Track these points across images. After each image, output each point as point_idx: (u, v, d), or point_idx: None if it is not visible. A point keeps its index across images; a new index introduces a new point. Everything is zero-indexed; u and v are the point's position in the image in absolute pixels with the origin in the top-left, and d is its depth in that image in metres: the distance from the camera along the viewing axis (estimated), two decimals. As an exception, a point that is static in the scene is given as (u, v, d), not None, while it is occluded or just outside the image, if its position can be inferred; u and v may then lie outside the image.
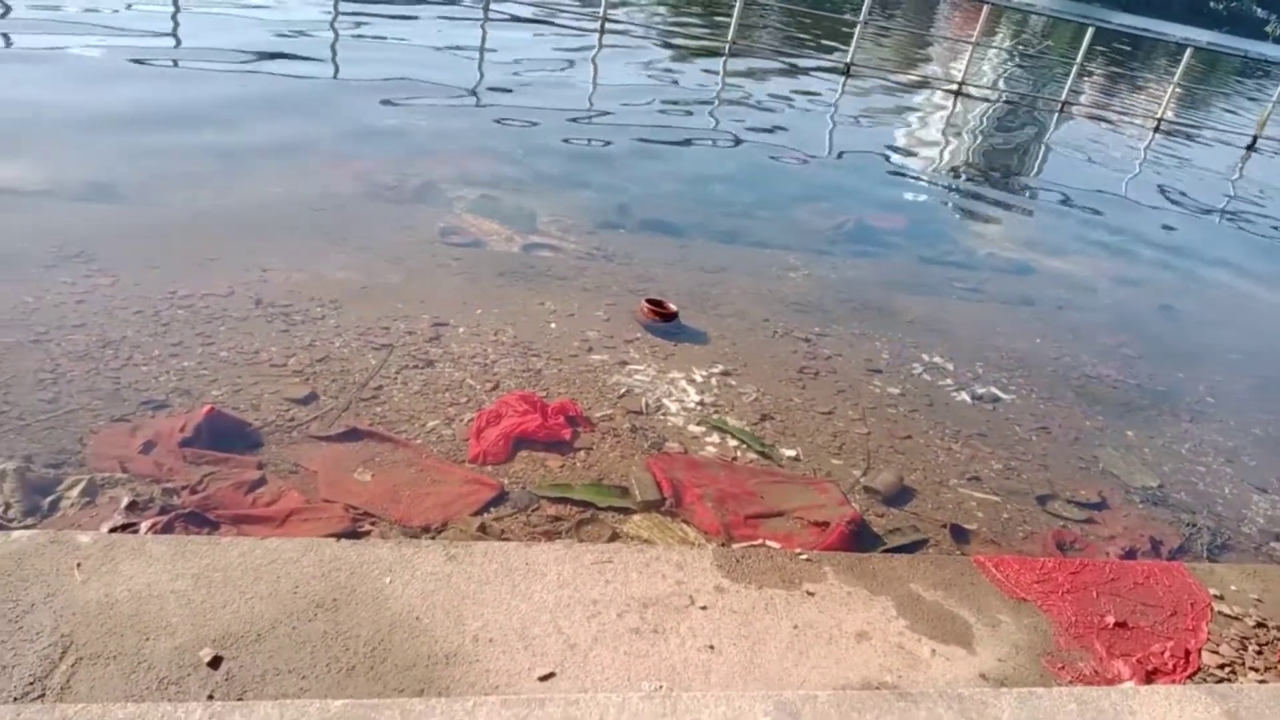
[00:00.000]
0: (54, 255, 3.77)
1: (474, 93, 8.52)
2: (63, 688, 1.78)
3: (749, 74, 12.76)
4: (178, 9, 9.13)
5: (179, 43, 7.99)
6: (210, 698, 1.82)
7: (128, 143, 5.38)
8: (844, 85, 13.22)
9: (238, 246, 4.24)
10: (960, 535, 3.24)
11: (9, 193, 4.30)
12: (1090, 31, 14.58)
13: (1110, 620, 2.61)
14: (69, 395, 2.94)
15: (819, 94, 12.53)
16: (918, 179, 9.11)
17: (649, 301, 4.39)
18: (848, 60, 13.69)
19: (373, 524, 2.66)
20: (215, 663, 1.90)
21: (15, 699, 1.74)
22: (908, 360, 4.61)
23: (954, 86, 14.60)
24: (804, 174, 8.26)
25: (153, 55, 7.35)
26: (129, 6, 9.02)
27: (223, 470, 2.75)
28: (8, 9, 7.88)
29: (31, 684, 1.78)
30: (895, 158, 9.69)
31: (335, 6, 10.88)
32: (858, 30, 13.63)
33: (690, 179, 7.28)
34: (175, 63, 7.42)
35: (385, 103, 7.41)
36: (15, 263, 3.66)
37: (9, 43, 7.06)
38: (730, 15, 13.07)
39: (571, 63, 10.96)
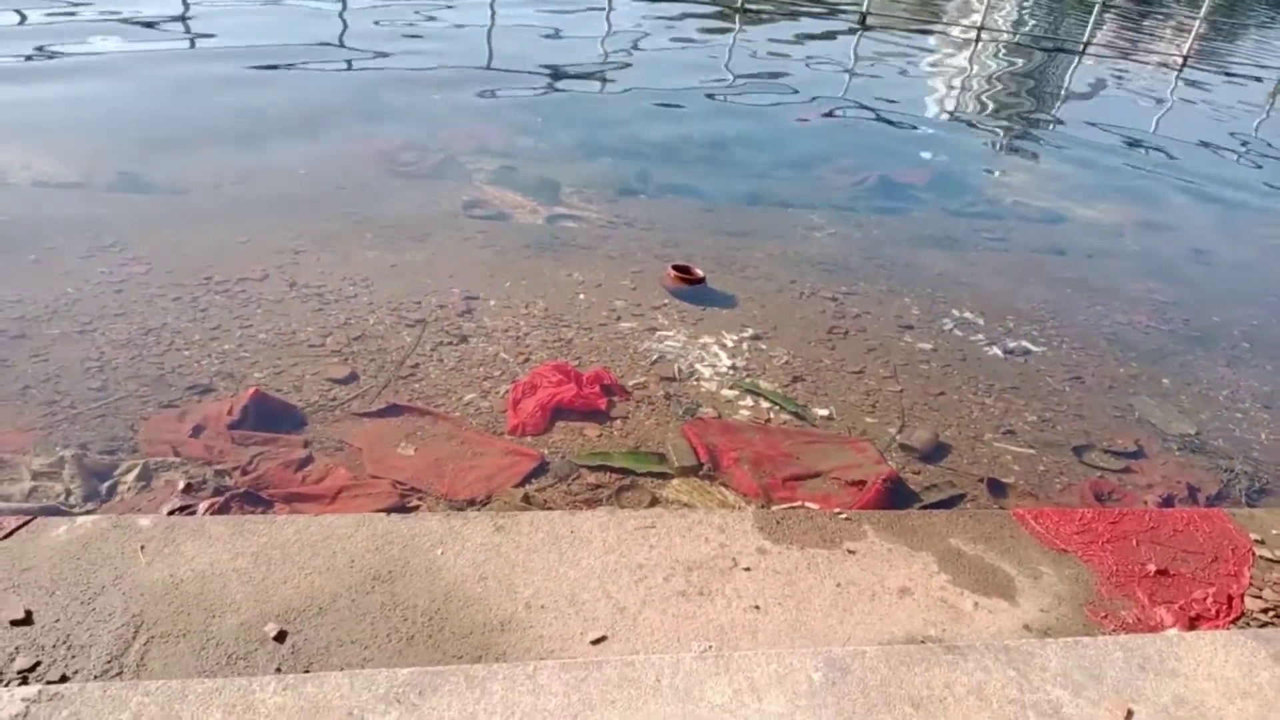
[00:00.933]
0: (90, 246, 3.83)
1: (489, 51, 8.47)
2: (138, 665, 1.86)
3: (763, 31, 12.57)
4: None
5: (191, 43, 7.99)
6: (278, 670, 1.89)
7: (147, 133, 5.42)
8: (860, 38, 13.00)
9: (267, 230, 4.29)
10: (998, 489, 3.25)
11: (42, 186, 4.35)
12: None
13: (1151, 568, 2.63)
14: (116, 383, 3.01)
15: (835, 48, 12.34)
16: (939, 131, 8.98)
17: (675, 267, 4.40)
18: (863, 10, 13.44)
19: (420, 498, 2.72)
20: (280, 637, 1.97)
21: (96, 677, 1.82)
22: (938, 315, 4.60)
23: (972, 34, 14.31)
24: (823, 131, 8.17)
25: (167, 50, 7.36)
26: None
27: (271, 450, 2.82)
28: (23, 17, 7.91)
29: (109, 662, 1.86)
30: (915, 110, 9.55)
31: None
32: (873, -21, 13.38)
33: (709, 141, 7.23)
34: (191, 42, 7.44)
35: (367, 87, 7.39)
36: (54, 256, 3.72)
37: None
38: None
39: (573, 24, 10.85)
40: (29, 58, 6.38)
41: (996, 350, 4.34)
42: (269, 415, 2.96)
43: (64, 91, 5.85)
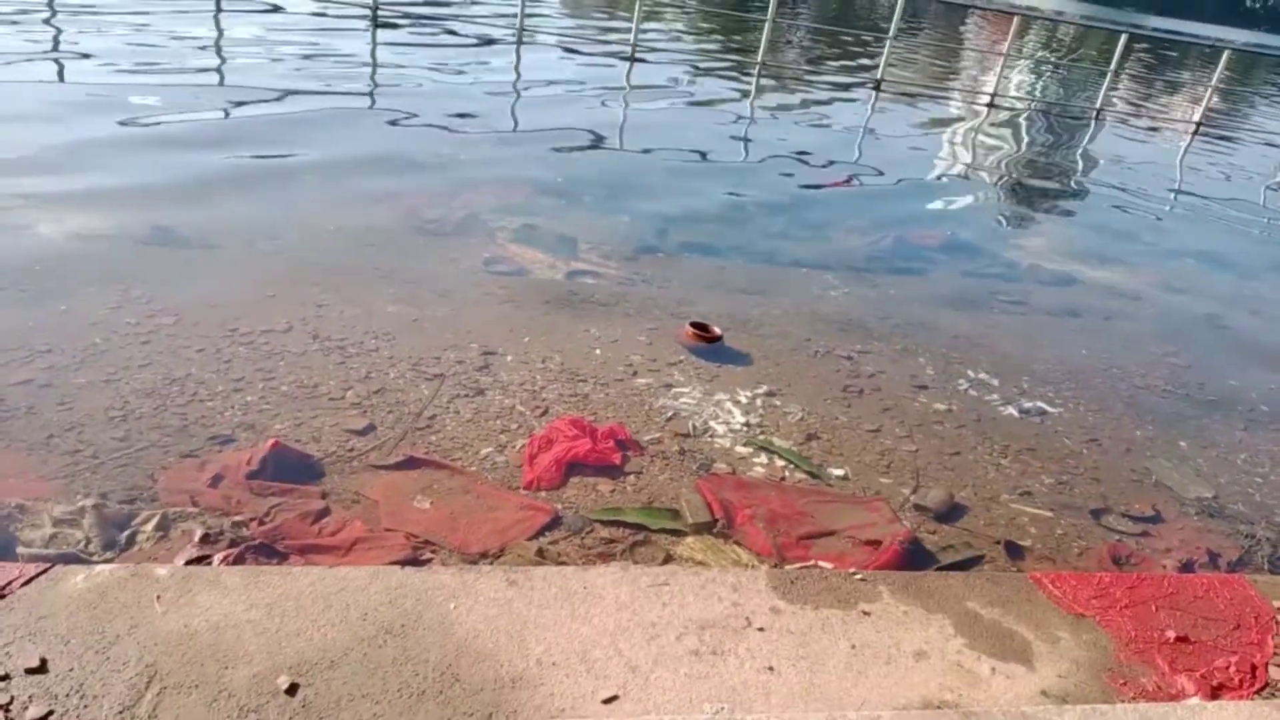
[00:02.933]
0: (120, 298, 3.92)
1: (514, 118, 8.67)
2: (150, 716, 1.86)
3: (779, 94, 12.84)
4: (222, 55, 9.45)
5: (222, 80, 8.25)
6: (289, 723, 1.89)
7: (182, 185, 5.57)
8: (875, 101, 13.23)
9: (293, 284, 4.37)
10: (1015, 551, 3.23)
11: (77, 237, 4.47)
12: (1124, 38, 14.44)
13: (1171, 635, 2.59)
14: (139, 432, 3.06)
15: (850, 111, 12.57)
16: (954, 193, 9.08)
17: (693, 325, 4.44)
18: (878, 76, 13.71)
19: (433, 551, 2.73)
20: (292, 690, 1.97)
21: (108, 726, 1.82)
22: (953, 376, 4.61)
23: (986, 98, 14.54)
24: (839, 192, 8.28)
25: (207, 101, 7.59)
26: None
27: (288, 501, 2.85)
28: (61, 69, 8.19)
29: (121, 713, 1.86)
30: (930, 172, 9.68)
31: (373, 37, 11.17)
32: (887, 46, 13.66)
33: (726, 203, 7.35)
34: (228, 104, 7.66)
35: (396, 143, 7.57)
36: (85, 306, 3.81)
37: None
38: (753, 34, 13.16)
39: (603, 87, 11.11)
40: (77, 104, 6.59)
41: (1012, 411, 4.34)
42: (288, 466, 2.99)
43: (100, 140, 6.03)
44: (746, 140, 9.72)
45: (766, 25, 13.06)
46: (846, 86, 14.77)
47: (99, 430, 3.03)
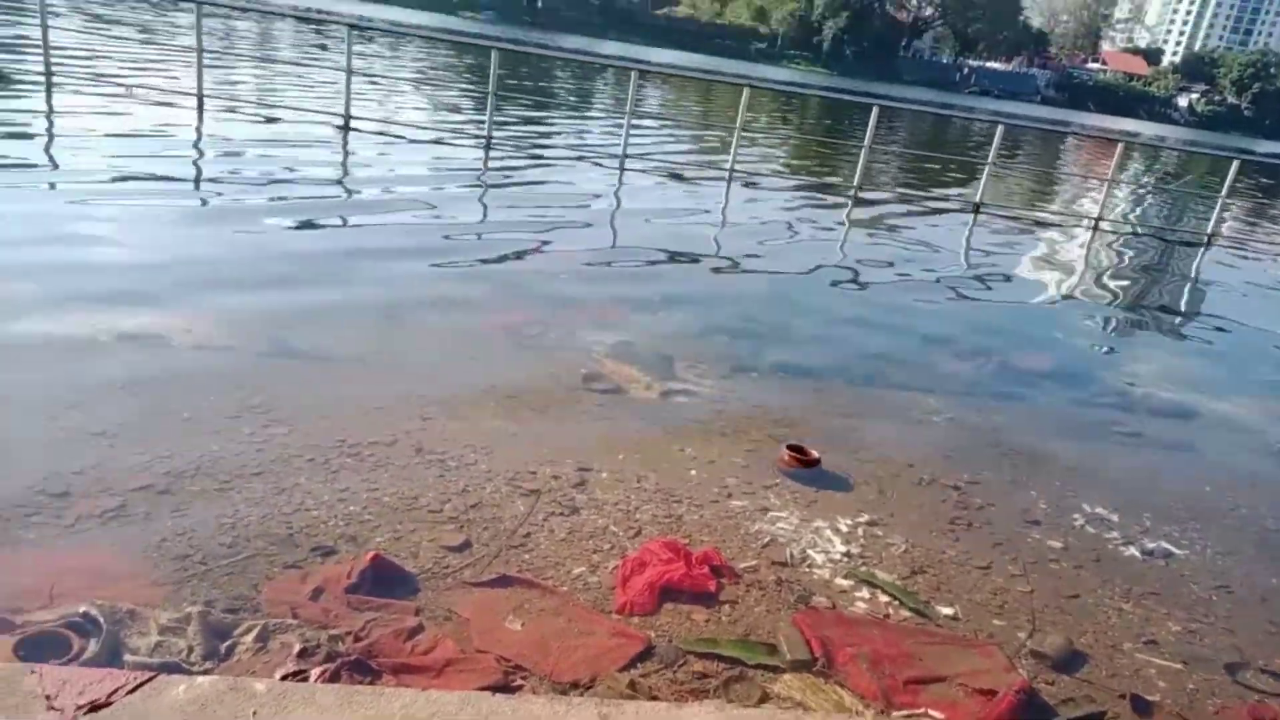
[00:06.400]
0: (239, 407, 4.12)
1: (613, 235, 8.95)
2: (239, 839, 1.83)
3: (876, 214, 12.93)
4: (347, 173, 10.15)
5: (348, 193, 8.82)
6: None
7: (302, 302, 5.91)
8: (974, 222, 13.18)
9: (400, 397, 4.52)
10: (1141, 707, 2.96)
11: (201, 349, 4.76)
12: (1235, 164, 14.10)
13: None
14: (246, 540, 3.14)
15: (949, 233, 12.54)
16: (1060, 317, 8.85)
17: (790, 448, 4.36)
18: (977, 199, 13.69)
19: (524, 677, 2.67)
20: (379, 820, 1.92)
21: None
22: (1067, 511, 4.36)
23: (1090, 221, 14.30)
24: (939, 313, 8.17)
25: (335, 224, 8.12)
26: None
27: (383, 617, 2.85)
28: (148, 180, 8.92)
29: (211, 833, 1.84)
30: (1035, 295, 9.48)
31: (485, 158, 11.82)
32: (986, 169, 13.68)
33: (823, 320, 7.34)
34: (344, 221, 8.17)
35: (518, 256, 7.86)
36: (205, 415, 4.01)
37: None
38: (846, 156, 13.40)
39: (701, 209, 11.42)
40: (195, 214, 7.15)
41: (1134, 551, 4.06)
42: (385, 580, 3.01)
43: (224, 257, 6.48)
44: (842, 260, 9.75)
45: (863, 151, 13.30)
46: (944, 209, 14.79)
47: (209, 537, 3.12)
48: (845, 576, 3.49)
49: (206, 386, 4.32)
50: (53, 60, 11.83)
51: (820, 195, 14.16)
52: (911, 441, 4.98)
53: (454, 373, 5.09)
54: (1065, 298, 9.57)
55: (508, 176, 11.69)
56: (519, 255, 7.82)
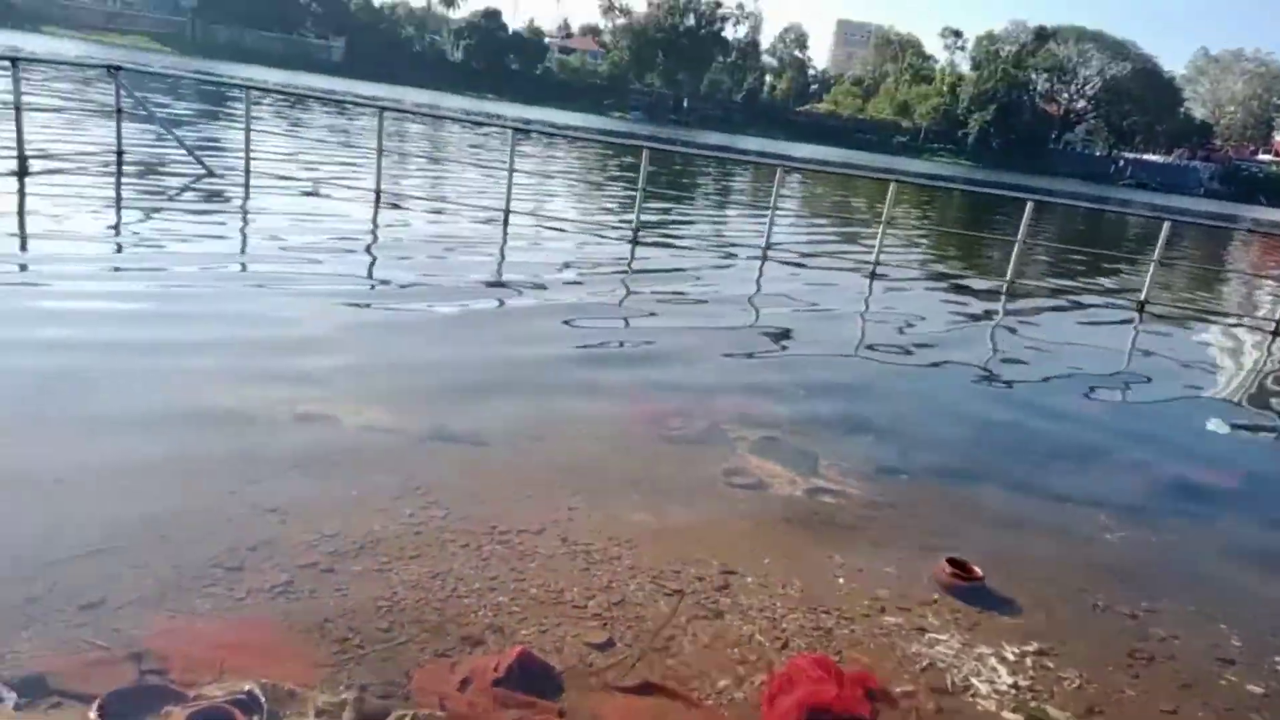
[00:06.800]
0: (401, 488, 4.28)
1: (750, 328, 8.94)
2: None
3: (1031, 311, 12.39)
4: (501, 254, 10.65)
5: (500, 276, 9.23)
6: None
7: (454, 384, 6.16)
8: (1138, 323, 12.41)
9: (549, 485, 4.59)
10: None
11: (369, 429, 5.00)
12: None
13: None
14: (402, 625, 3.22)
15: (1112, 332, 11.86)
16: (1245, 425, 8.11)
17: (949, 561, 4.13)
18: (1141, 298, 12.92)
19: (669, 795, 2.57)
20: None
21: None
22: (1268, 651, 3.90)
23: (1271, 325, 13.20)
24: (1104, 417, 7.67)
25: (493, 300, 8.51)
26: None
27: (528, 715, 2.83)
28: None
29: None
30: (1212, 404, 8.74)
31: (631, 249, 12.15)
32: (1151, 266, 12.93)
33: (976, 420, 7.00)
34: (501, 304, 8.53)
35: (647, 343, 7.94)
36: (371, 494, 4.19)
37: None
38: (994, 249, 12.97)
39: (844, 301, 11.28)
40: (365, 305, 7.63)
41: (1355, 705, 3.56)
42: (531, 675, 3.00)
43: (391, 342, 6.86)
44: (996, 356, 9.36)
45: (1016, 245, 12.87)
46: (1106, 306, 14.05)
47: (367, 620, 3.22)
48: (1013, 709, 3.22)
49: (373, 466, 4.53)
50: (252, 158, 13.14)
51: (969, 290, 13.72)
52: (1081, 561, 4.62)
53: (599, 461, 5.14)
54: (1249, 407, 8.79)
55: (653, 267, 11.96)
56: (663, 345, 7.91)
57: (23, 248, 8.36)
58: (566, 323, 8.26)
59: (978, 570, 4.09)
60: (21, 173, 10.89)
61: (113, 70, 12.87)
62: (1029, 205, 13.05)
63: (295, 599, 3.30)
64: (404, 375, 6.19)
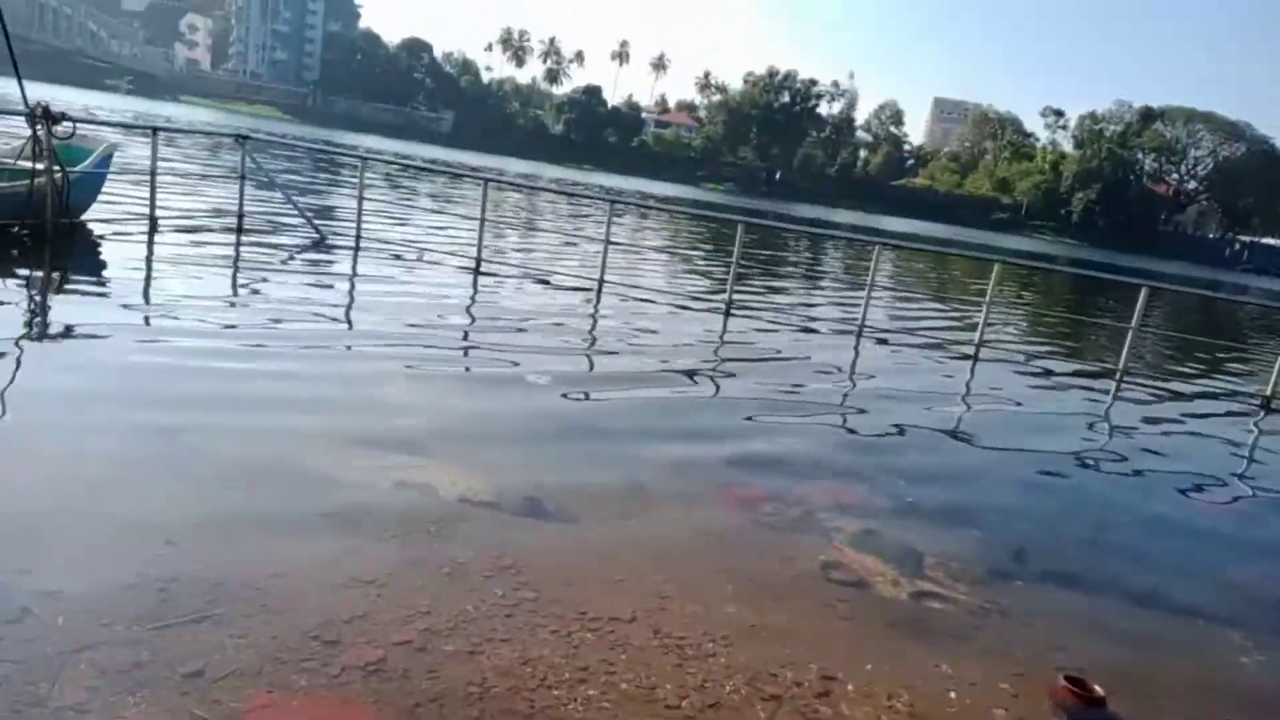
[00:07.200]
0: (492, 566, 4.25)
1: (842, 413, 8.71)
2: None
3: (1145, 403, 11.77)
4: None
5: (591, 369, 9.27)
6: None
7: (547, 456, 6.15)
8: (1263, 419, 11.63)
9: (640, 569, 4.49)
10: None
11: (464, 502, 5.01)
12: None
13: None
14: (491, 715, 3.13)
15: (1236, 428, 11.14)
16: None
17: (1068, 679, 3.82)
18: (1267, 393, 12.13)
19: None
20: None
21: None
22: None
23: None
24: (1233, 525, 7.12)
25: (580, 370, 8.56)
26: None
27: (620, 826, 2.69)
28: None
29: None
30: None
31: (724, 322, 12.10)
32: (1279, 361, 12.15)
33: (1093, 522, 6.59)
34: (591, 366, 8.57)
35: (741, 421, 7.80)
36: (463, 571, 4.16)
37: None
38: (1105, 336, 12.40)
39: (945, 385, 10.93)
40: (468, 369, 7.75)
41: None
42: (623, 781, 2.87)
43: (490, 411, 6.93)
44: (1110, 450, 8.86)
45: (1130, 333, 12.32)
46: (1227, 400, 13.25)
47: (457, 706, 3.15)
48: None
49: (467, 540, 4.52)
50: (364, 225, 13.76)
51: (1078, 377, 13.15)
52: (1217, 686, 4.23)
53: (692, 548, 5.00)
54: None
55: (744, 340, 11.87)
56: (755, 424, 7.77)
57: (145, 299, 8.98)
58: (657, 398, 8.22)
59: (1099, 690, 3.77)
60: (151, 230, 11.97)
61: (240, 139, 13.80)
62: (1143, 291, 12.52)
63: (388, 679, 3.26)
64: (498, 446, 6.22)
